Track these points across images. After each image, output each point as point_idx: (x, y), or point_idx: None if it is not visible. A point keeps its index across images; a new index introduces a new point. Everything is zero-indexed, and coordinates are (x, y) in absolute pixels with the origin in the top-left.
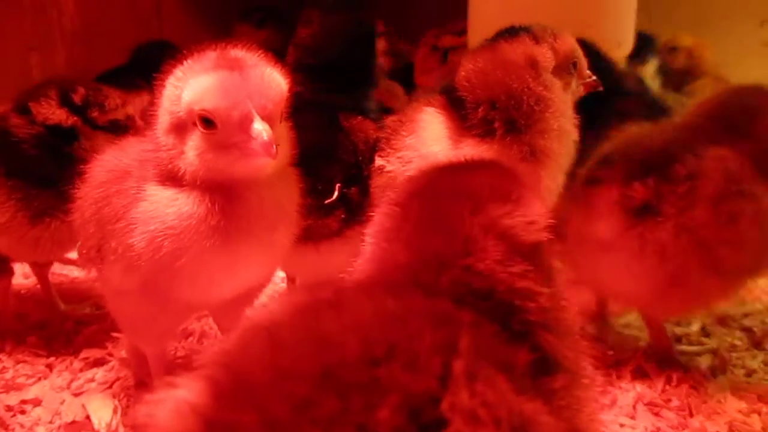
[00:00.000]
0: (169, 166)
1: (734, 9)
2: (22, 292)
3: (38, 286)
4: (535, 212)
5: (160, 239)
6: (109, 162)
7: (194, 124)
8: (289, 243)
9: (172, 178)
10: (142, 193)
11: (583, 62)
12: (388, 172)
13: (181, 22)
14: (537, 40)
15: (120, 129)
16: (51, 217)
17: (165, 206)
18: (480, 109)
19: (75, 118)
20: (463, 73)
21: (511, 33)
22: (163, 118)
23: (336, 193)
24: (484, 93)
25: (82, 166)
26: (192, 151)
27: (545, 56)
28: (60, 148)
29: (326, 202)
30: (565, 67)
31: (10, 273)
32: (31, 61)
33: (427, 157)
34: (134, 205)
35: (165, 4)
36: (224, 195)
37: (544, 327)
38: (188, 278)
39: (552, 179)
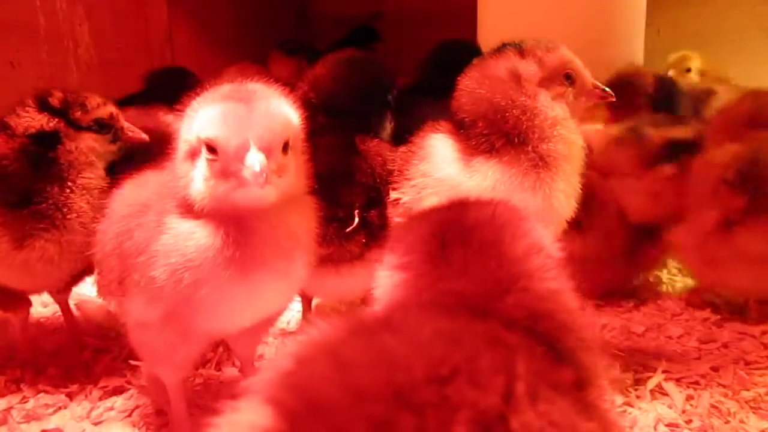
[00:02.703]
0: (184, 193)
1: (744, 22)
2: (41, 320)
3: (57, 314)
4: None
5: (180, 271)
6: (128, 196)
7: (202, 151)
8: (306, 272)
9: (189, 209)
10: (162, 227)
11: (583, 74)
12: (404, 203)
13: (192, 50)
14: (523, 54)
15: (105, 128)
16: (33, 237)
17: (184, 239)
18: (477, 126)
19: (56, 120)
20: (457, 93)
21: (498, 49)
22: (181, 146)
23: (357, 220)
24: (474, 110)
25: (68, 171)
26: (199, 177)
27: (529, 69)
28: (44, 155)
29: (348, 230)
30: (555, 79)
31: (29, 304)
32: None
33: (443, 181)
34: (155, 238)
35: (176, 33)
36: (238, 226)
37: (579, 344)
38: (208, 309)
39: (566, 182)
